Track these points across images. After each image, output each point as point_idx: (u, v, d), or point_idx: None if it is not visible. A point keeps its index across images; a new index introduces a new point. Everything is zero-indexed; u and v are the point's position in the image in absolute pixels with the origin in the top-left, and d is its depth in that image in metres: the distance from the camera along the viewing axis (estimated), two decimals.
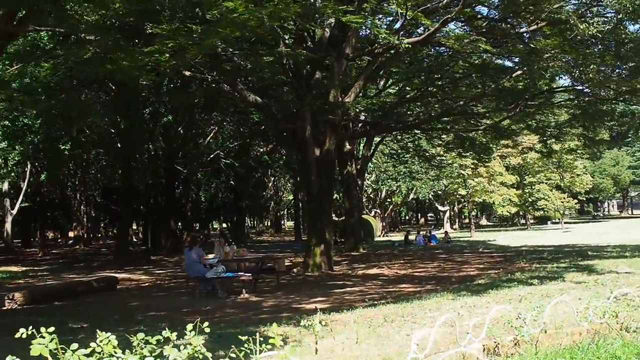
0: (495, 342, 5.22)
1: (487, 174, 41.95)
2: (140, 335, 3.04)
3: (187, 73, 17.67)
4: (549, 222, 55.48)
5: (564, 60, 13.82)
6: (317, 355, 5.11)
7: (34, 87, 19.25)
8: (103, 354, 3.06)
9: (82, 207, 40.43)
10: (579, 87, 17.93)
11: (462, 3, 12.61)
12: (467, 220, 55.77)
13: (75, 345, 2.93)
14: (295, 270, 16.33)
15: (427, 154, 30.59)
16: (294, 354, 3.38)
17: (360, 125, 24.47)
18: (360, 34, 18.71)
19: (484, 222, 68.68)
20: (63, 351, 2.85)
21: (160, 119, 26.37)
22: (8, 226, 34.46)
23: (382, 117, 21.40)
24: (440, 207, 53.35)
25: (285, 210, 65.15)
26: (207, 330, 3.46)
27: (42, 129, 22.19)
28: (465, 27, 17.38)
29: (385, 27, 17.73)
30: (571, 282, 9.59)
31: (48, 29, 15.69)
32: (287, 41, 16.36)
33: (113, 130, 24.79)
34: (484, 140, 24.56)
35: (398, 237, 36.74)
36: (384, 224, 48.61)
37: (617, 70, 15.90)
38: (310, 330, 6.50)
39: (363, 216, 35.30)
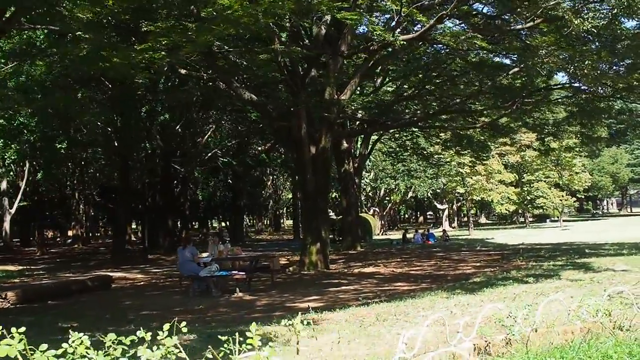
0: (486, 342, 5.15)
1: (485, 172, 41.87)
2: (112, 335, 2.96)
3: (183, 71, 17.60)
4: (547, 220, 55.44)
5: (560, 57, 13.72)
6: (303, 355, 5.03)
7: (29, 86, 19.18)
8: (75, 355, 2.99)
9: (81, 206, 40.35)
10: (576, 85, 17.85)
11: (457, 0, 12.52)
12: (466, 219, 55.72)
13: (44, 346, 2.85)
14: (291, 268, 16.27)
15: (425, 152, 30.52)
16: (274, 354, 3.31)
17: (357, 123, 24.39)
18: (357, 31, 18.64)
19: (483, 220, 68.66)
20: (32, 352, 2.78)
21: (157, 118, 26.28)
22: (7, 225, 34.39)
23: (378, 114, 21.32)
24: (439, 206, 53.29)
25: (285, 209, 65.09)
26: (185, 330, 3.39)
27: (38, 127, 22.10)
28: (463, 25, 17.32)
29: (382, 25, 17.65)
30: (567, 280, 9.52)
31: (43, 27, 15.64)
32: (282, 39, 16.26)
33: (110, 128, 24.71)
34: (482, 138, 24.50)
35: (397, 235, 36.67)
36: (382, 222, 48.55)
37: (614, 67, 15.83)
38: (305, 329, 6.45)
39: (361, 214, 35.26)
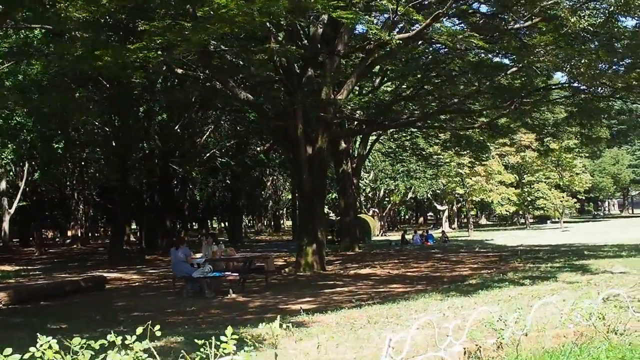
0: (476, 345, 5.04)
1: (485, 172, 41.72)
2: (77, 339, 2.86)
3: (180, 71, 17.52)
4: (548, 221, 55.26)
5: (558, 56, 13.60)
6: (287, 358, 4.92)
7: (26, 85, 19.11)
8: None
9: (80, 206, 40.28)
10: (575, 84, 17.73)
11: None
12: (466, 220, 55.59)
13: (8, 350, 2.76)
14: (286, 270, 16.16)
15: (424, 153, 30.39)
16: (249, 359, 3.21)
17: (355, 123, 24.28)
18: (356, 31, 18.56)
19: (483, 221, 68.50)
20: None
21: (154, 118, 26.19)
22: (6, 225, 34.35)
23: (376, 114, 21.21)
24: (439, 207, 53.15)
25: (285, 209, 64.97)
26: (158, 334, 3.30)
27: (35, 127, 22.03)
28: (462, 25, 17.22)
29: (380, 24, 17.55)
30: (563, 283, 9.41)
31: (39, 26, 15.57)
32: (280, 38, 16.17)
33: (108, 128, 24.62)
34: (481, 138, 24.37)
35: (396, 236, 36.54)
36: (382, 223, 48.42)
37: (614, 67, 15.70)
38: (288, 332, 6.34)
39: (361, 215, 35.16)
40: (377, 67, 21.21)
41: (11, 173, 33.50)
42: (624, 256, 14.01)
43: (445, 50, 17.93)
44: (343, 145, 25.15)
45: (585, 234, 33.30)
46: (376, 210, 48.59)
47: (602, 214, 79.51)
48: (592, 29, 12.26)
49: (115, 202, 27.26)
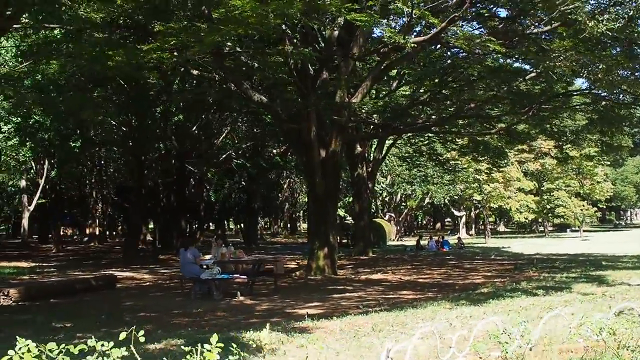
0: (480, 358, 4.88)
1: (503, 179, 41.15)
2: (52, 344, 2.77)
3: (195, 72, 17.57)
4: (568, 229, 54.35)
5: (578, 62, 13.30)
6: None
7: (44, 85, 19.32)
8: None
9: (98, 204, 40.71)
10: (595, 91, 17.35)
11: (470, 2, 12.20)
12: (483, 227, 54.94)
13: None
14: (297, 273, 16.05)
15: (441, 158, 30.07)
16: None
17: (371, 127, 24.10)
18: (373, 35, 18.38)
19: (502, 228, 67.64)
20: None
21: (171, 118, 26.34)
22: (25, 222, 34.88)
23: (392, 118, 21.01)
24: (456, 213, 52.60)
25: (301, 211, 64.90)
26: (142, 339, 3.20)
27: (53, 126, 22.27)
28: (482, 29, 16.97)
29: (398, 28, 17.39)
30: (578, 294, 9.13)
31: (58, 26, 15.72)
32: (293, 40, 16.10)
33: (125, 128, 24.82)
34: (499, 144, 24.01)
35: (412, 241, 36.21)
36: (398, 228, 48.06)
37: (636, 73, 15.32)
38: (290, 337, 6.23)
39: (376, 220, 34.92)
40: (394, 70, 21.02)
41: (32, 171, 33.98)
42: None
43: (464, 54, 17.71)
44: (359, 148, 24.99)
45: (605, 243, 32.61)
46: (392, 215, 48.26)
47: (623, 223, 78.05)
48: (610, 33, 11.96)
49: (131, 201, 27.45)
